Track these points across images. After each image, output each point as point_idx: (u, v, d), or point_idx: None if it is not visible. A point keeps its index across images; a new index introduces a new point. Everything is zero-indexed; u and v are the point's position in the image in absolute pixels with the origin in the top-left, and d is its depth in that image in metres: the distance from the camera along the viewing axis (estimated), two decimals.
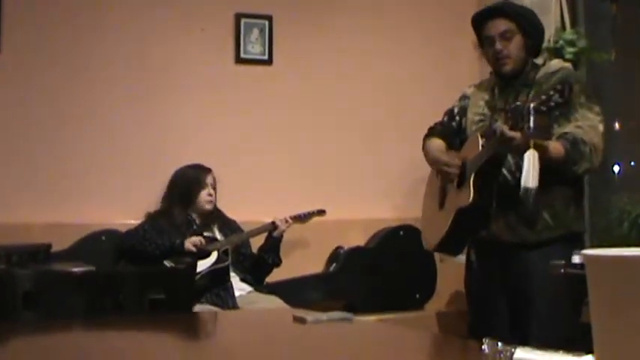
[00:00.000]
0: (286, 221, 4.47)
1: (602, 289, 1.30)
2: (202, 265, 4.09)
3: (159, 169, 4.59)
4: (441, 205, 3.42)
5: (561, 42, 4.61)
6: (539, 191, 3.01)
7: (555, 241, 3.24)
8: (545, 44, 4.61)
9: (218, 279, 4.12)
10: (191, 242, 4.12)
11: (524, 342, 3.10)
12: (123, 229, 4.41)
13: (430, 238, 3.46)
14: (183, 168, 4.46)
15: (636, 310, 1.26)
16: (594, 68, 4.91)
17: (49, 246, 4.08)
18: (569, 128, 3.13)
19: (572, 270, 3.08)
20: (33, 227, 4.37)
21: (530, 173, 2.95)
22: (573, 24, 4.90)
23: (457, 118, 3.53)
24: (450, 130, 3.54)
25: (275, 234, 4.44)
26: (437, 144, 3.52)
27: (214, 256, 4.17)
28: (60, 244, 4.27)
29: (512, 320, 3.28)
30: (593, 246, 4.75)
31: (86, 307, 2.53)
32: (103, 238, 4.49)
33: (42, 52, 4.64)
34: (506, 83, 3.34)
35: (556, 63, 3.37)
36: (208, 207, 4.32)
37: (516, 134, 2.94)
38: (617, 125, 5.23)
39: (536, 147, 2.97)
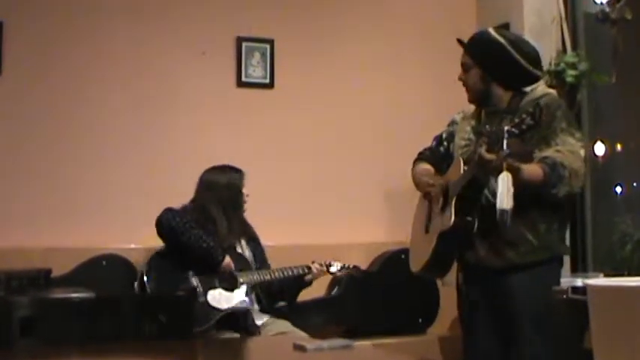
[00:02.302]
0: (322, 270, 4.25)
1: (604, 318, 1.29)
2: (227, 299, 3.90)
3: (160, 192, 4.58)
4: (427, 229, 3.45)
5: (562, 65, 4.63)
6: (520, 213, 3.05)
7: (540, 264, 3.26)
8: (546, 67, 4.64)
9: (237, 322, 3.89)
10: (226, 266, 3.95)
11: None
12: (123, 254, 4.39)
13: (416, 261, 3.49)
14: (216, 170, 4.25)
15: (638, 340, 1.25)
16: (595, 90, 4.92)
17: (49, 271, 4.05)
18: (549, 152, 3.17)
19: (575, 295, 3.07)
20: (33, 252, 4.34)
21: (504, 195, 2.97)
22: (574, 47, 4.91)
23: (445, 143, 3.60)
24: (438, 155, 3.61)
25: (307, 278, 4.21)
26: (424, 168, 3.59)
27: (242, 292, 3.97)
28: (60, 269, 4.25)
29: (503, 344, 3.29)
30: (595, 269, 4.74)
31: (85, 334, 2.51)
32: (104, 262, 4.46)
33: (42, 75, 4.64)
34: (491, 110, 3.40)
35: (541, 90, 3.41)
36: (244, 210, 4.22)
37: (492, 156, 2.98)
38: (618, 147, 5.23)
39: (510, 169, 2.99)
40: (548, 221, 3.28)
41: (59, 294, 3.76)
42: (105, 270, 4.44)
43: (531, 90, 3.39)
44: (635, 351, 1.27)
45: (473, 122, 3.47)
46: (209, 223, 4.05)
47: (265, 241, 4.42)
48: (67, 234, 4.52)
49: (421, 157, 3.67)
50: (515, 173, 3.01)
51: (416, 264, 3.49)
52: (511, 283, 3.24)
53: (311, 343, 2.17)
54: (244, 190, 4.19)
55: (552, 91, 3.46)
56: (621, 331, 1.29)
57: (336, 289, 4.81)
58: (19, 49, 4.60)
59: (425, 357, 2.62)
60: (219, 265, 3.95)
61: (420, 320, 4.87)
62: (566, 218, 3.46)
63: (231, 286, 3.96)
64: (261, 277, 4.07)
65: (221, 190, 4.15)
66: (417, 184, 3.58)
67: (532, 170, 3.10)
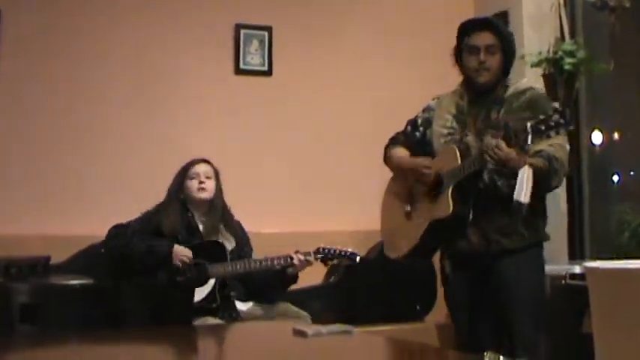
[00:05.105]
0: (307, 261, 3.95)
1: (603, 300, 1.29)
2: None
3: (158, 180, 4.56)
4: (409, 214, 3.47)
5: (560, 53, 4.61)
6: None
7: (528, 248, 3.34)
8: (544, 55, 4.65)
9: (203, 312, 3.75)
10: (179, 256, 3.79)
11: (512, 349, 3.20)
12: None
13: (397, 247, 3.52)
14: (188, 163, 4.17)
15: (638, 321, 1.25)
16: (593, 78, 4.92)
17: (48, 258, 4.05)
18: (543, 146, 3.22)
19: (573, 281, 3.10)
20: (32, 239, 4.34)
21: (523, 189, 3.06)
22: (572, 35, 4.90)
23: (421, 129, 3.59)
24: (413, 140, 3.60)
25: (290, 271, 3.96)
26: (403, 152, 3.59)
27: (209, 287, 3.83)
28: (59, 256, 4.24)
29: (494, 329, 3.33)
30: (592, 256, 4.75)
31: (83, 321, 2.52)
32: (102, 250, 4.44)
33: (41, 65, 4.64)
34: (475, 98, 3.40)
35: (525, 82, 3.47)
36: (201, 195, 4.02)
37: (511, 151, 3.02)
38: (616, 135, 5.24)
39: (530, 165, 3.09)
40: (535, 210, 3.34)
41: (58, 281, 3.77)
42: (102, 258, 4.41)
43: (514, 81, 3.42)
44: (635, 332, 1.28)
45: (453, 110, 3.47)
46: (161, 220, 3.98)
47: (262, 228, 4.43)
48: (67, 222, 4.53)
49: (396, 141, 3.66)
50: (534, 169, 3.11)
51: (396, 250, 3.53)
52: (503, 267, 3.29)
53: (311, 328, 2.18)
54: (200, 179, 4.06)
55: (534, 85, 3.51)
56: (621, 312, 1.30)
57: (333, 277, 4.81)
58: (16, 39, 4.60)
59: (414, 341, 2.65)
60: (169, 257, 3.79)
61: (418, 307, 4.88)
62: (545, 206, 3.51)
63: (199, 282, 3.83)
64: (233, 269, 3.90)
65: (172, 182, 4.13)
66: (402, 166, 3.54)
67: (539, 164, 3.18)
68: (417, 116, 3.64)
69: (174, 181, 4.13)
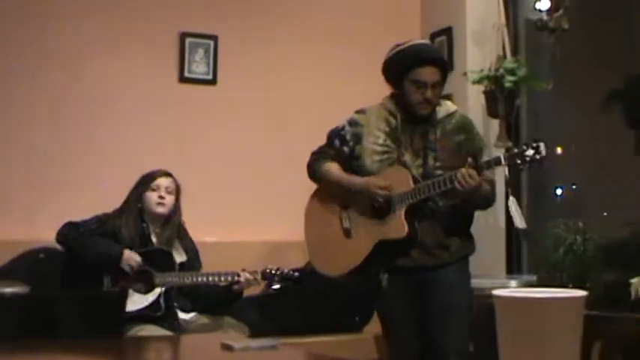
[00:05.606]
0: (254, 279, 4.03)
1: (509, 326, 1.34)
2: (137, 301, 3.77)
3: (99, 187, 4.57)
4: (347, 232, 3.50)
5: (502, 70, 4.70)
6: (454, 220, 3.39)
7: (460, 261, 3.48)
8: (485, 72, 4.74)
9: (146, 320, 3.77)
10: (128, 259, 3.78)
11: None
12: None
13: (335, 265, 3.53)
14: (147, 174, 4.14)
15: (541, 348, 1.30)
16: (533, 96, 5.02)
17: None
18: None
19: None
20: None
21: (517, 216, 3.63)
22: (514, 53, 5.00)
23: (350, 144, 3.54)
24: (343, 155, 3.56)
25: (235, 288, 4.02)
26: (337, 168, 3.55)
27: (154, 295, 3.83)
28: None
29: (428, 340, 3.39)
30: (530, 271, 4.83)
31: (15, 330, 2.50)
32: (42, 255, 4.39)
33: None
34: (410, 118, 3.44)
35: (451, 105, 3.57)
36: (159, 210, 3.99)
37: (481, 179, 3.21)
38: (558, 150, 5.33)
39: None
40: (468, 224, 3.54)
41: None
42: (42, 263, 4.38)
43: (439, 104, 3.48)
44: (534, 354, 1.33)
45: (383, 127, 3.49)
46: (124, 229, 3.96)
47: (204, 237, 4.42)
48: (4, 226, 4.48)
49: (325, 156, 3.61)
50: (488, 194, 3.40)
51: (334, 268, 3.53)
52: (439, 279, 3.39)
53: (238, 343, 2.20)
54: (160, 193, 4.04)
55: (456, 107, 3.61)
56: (525, 339, 1.35)
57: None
58: None
59: (339, 356, 2.65)
60: (119, 259, 3.79)
61: (357, 319, 4.91)
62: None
63: (145, 289, 3.83)
64: (180, 280, 3.91)
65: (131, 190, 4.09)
66: (348, 187, 3.50)
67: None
68: (343, 130, 3.58)
69: (134, 190, 4.08)
